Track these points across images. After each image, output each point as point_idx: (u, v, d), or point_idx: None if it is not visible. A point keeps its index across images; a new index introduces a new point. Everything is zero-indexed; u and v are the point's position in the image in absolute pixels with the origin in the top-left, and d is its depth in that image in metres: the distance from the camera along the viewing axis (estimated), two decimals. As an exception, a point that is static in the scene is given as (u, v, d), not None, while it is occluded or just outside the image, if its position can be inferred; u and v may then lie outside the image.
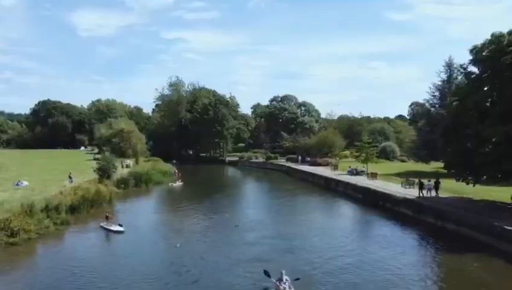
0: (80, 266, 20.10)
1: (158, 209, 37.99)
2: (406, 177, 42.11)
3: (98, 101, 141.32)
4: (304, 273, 18.51)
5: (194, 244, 23.99)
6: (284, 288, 15.40)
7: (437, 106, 60.43)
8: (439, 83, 60.91)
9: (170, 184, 51.97)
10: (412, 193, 35.12)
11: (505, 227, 22.86)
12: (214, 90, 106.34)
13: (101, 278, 18.38)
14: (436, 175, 40.18)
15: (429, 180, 34.83)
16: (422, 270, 19.92)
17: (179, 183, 52.58)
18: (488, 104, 29.36)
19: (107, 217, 27.97)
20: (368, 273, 19.03)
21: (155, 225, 30.28)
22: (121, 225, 27.22)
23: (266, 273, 17.18)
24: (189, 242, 24.50)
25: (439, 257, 21.92)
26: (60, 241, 25.25)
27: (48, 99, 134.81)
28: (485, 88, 29.78)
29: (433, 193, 33.78)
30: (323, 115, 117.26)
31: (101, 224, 27.84)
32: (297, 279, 16.29)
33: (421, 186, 34.23)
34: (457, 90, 34.08)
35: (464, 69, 31.58)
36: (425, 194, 33.73)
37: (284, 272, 16.40)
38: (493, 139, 27.03)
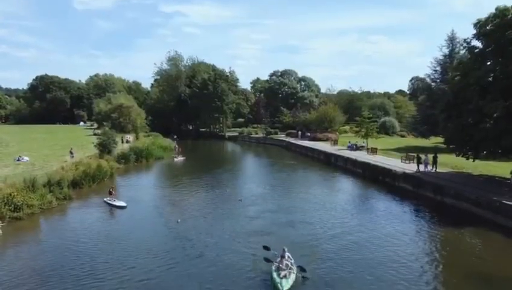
0: (84, 240, 20.37)
1: (160, 184, 38.20)
2: (406, 152, 42.28)
3: (96, 76, 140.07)
4: (304, 248, 18.84)
5: (197, 219, 24.23)
6: (287, 265, 15.44)
7: (438, 80, 59.98)
8: (441, 58, 60.24)
9: (174, 158, 52.64)
10: (412, 167, 35.30)
11: (504, 201, 23.10)
12: (213, 65, 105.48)
13: (106, 252, 18.63)
14: (435, 150, 40.43)
15: (426, 155, 35.10)
16: (420, 244, 20.23)
17: (181, 158, 53.12)
18: (490, 79, 29.16)
19: (110, 193, 28.15)
20: (366, 248, 19.26)
21: (157, 200, 30.53)
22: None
23: (266, 248, 17.35)
24: (192, 217, 24.75)
25: (437, 231, 22.17)
26: (64, 216, 25.46)
27: (46, 74, 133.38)
28: (488, 63, 29.51)
29: (430, 168, 34.04)
30: (323, 90, 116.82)
31: (105, 199, 28.06)
32: (305, 273, 15.70)
33: (419, 161, 34.49)
34: (459, 65, 33.74)
35: (467, 43, 31.15)
36: (422, 169, 33.97)
37: (286, 249, 16.43)
38: (494, 115, 26.97)
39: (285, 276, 14.77)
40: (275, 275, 14.91)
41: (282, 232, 21.51)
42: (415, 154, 36.54)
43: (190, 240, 20.25)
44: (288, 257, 16.09)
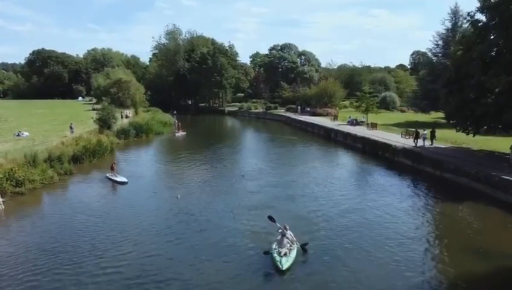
0: (86, 215, 20.52)
1: (160, 160, 38.30)
2: (406, 127, 42.28)
3: (94, 50, 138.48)
4: (305, 225, 19.01)
5: (198, 194, 24.37)
6: (287, 242, 15.48)
7: (440, 55, 59.45)
8: (443, 32, 59.51)
9: (175, 134, 52.75)
10: (412, 143, 35.34)
11: (503, 177, 23.21)
12: (213, 39, 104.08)
13: (109, 227, 18.81)
14: (433, 125, 40.47)
15: (424, 130, 35.15)
16: (420, 219, 20.35)
17: (182, 133, 53.19)
18: (493, 53, 28.82)
19: (112, 168, 28.21)
20: (366, 224, 19.34)
21: (158, 175, 30.68)
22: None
23: (270, 218, 17.43)
24: (194, 192, 24.90)
25: (436, 206, 22.33)
26: (65, 191, 25.58)
27: (43, 49, 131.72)
28: (492, 37, 29.08)
29: (427, 143, 34.10)
30: (323, 65, 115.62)
31: (107, 175, 28.13)
32: (306, 244, 16.03)
33: (417, 136, 34.53)
34: (462, 39, 33.26)
35: (471, 17, 30.54)
36: (419, 144, 34.05)
37: (287, 226, 16.39)
38: (496, 90, 26.78)
39: (285, 254, 14.80)
40: (275, 253, 14.94)
41: (282, 207, 21.56)
42: (414, 130, 36.53)
43: (191, 215, 20.40)
44: (290, 234, 16.00)
